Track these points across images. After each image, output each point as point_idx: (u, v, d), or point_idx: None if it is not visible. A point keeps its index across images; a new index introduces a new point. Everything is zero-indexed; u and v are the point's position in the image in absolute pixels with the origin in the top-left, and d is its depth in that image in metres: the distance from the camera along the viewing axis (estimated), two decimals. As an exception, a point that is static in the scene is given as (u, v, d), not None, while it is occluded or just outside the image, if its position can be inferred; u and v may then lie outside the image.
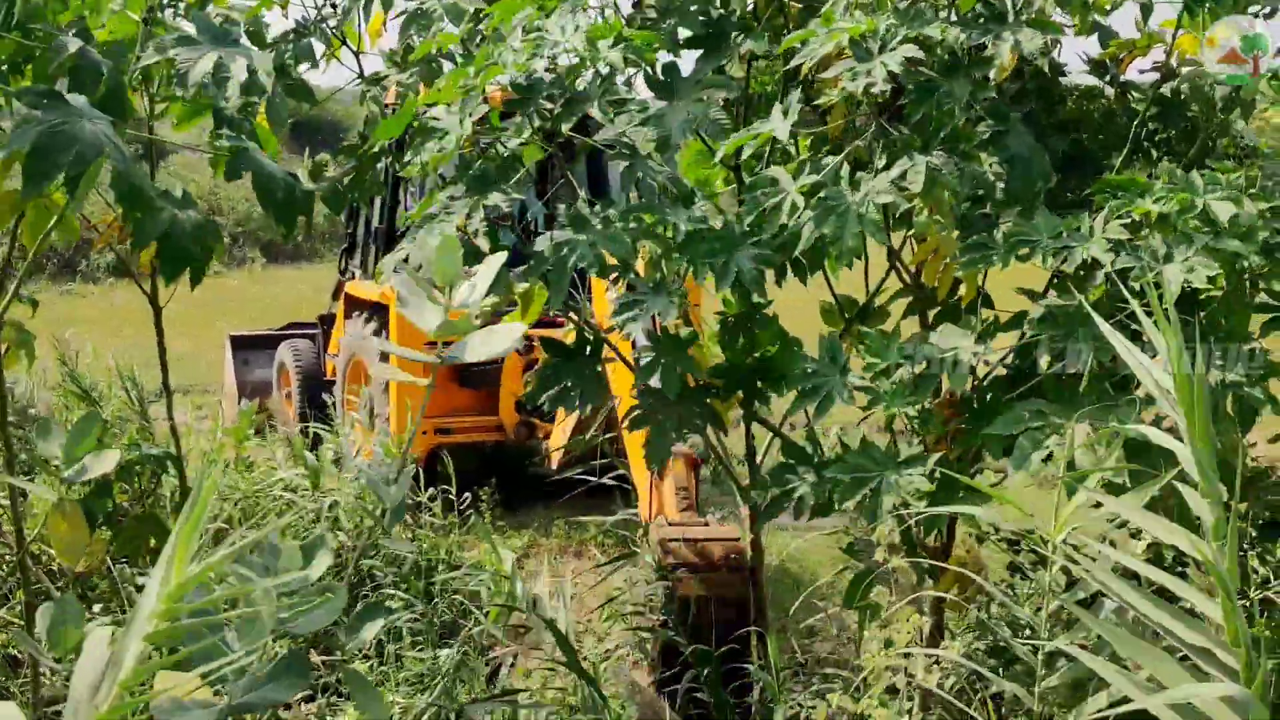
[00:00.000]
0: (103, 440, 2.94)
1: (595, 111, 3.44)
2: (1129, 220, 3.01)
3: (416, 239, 3.45)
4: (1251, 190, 3.04)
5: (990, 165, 3.17)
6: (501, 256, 2.52)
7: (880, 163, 3.24)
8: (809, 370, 3.25)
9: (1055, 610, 2.45)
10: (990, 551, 4.15)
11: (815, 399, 3.20)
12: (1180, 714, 1.44)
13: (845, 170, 3.22)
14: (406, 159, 3.60)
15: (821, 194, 3.14)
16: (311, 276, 23.03)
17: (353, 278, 10.04)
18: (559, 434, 8.01)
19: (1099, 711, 2.27)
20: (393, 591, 5.47)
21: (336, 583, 1.95)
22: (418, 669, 4.78)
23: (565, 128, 3.46)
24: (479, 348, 2.22)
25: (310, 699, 4.42)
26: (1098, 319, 1.92)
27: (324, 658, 4.52)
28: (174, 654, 1.28)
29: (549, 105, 3.45)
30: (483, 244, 3.36)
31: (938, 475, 3.06)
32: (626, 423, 3.48)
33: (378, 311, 9.11)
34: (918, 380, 3.11)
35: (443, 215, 3.41)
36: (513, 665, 5.35)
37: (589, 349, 3.58)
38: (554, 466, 8.58)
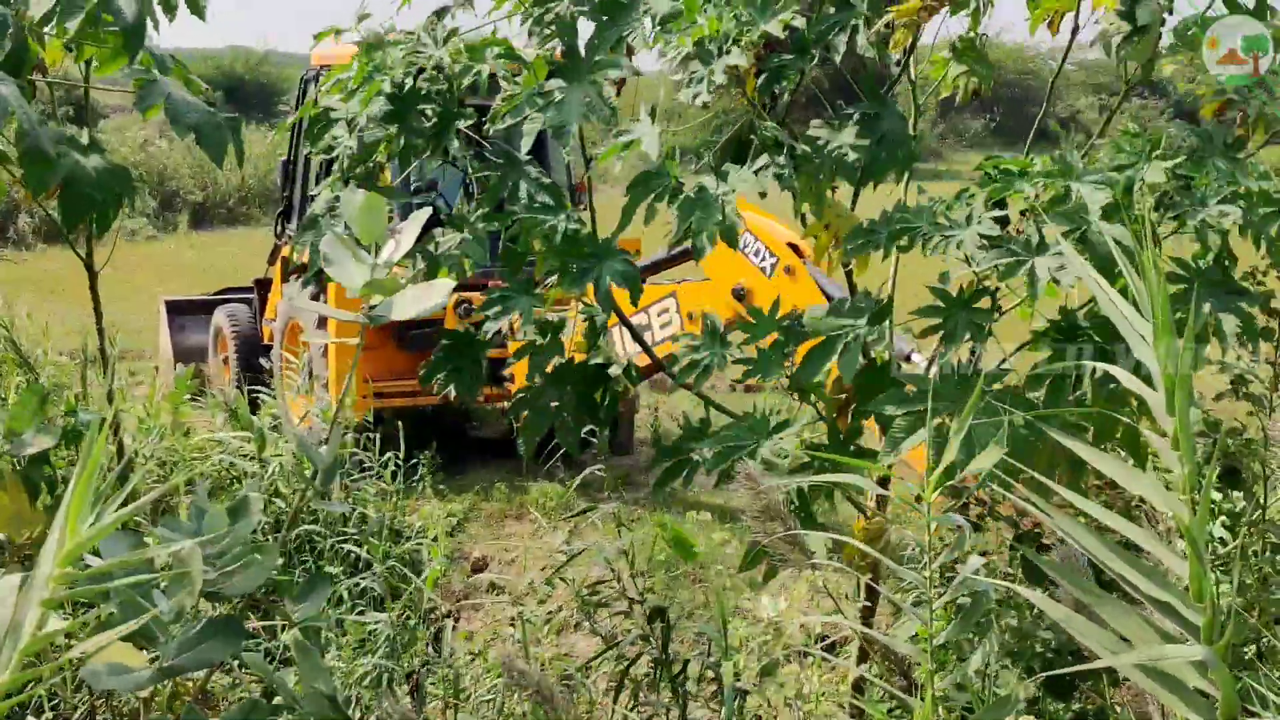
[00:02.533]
0: (44, 413, 2.89)
1: (462, 125, 3.48)
2: (1000, 214, 3.06)
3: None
4: (1156, 152, 3.07)
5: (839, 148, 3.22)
6: (426, 213, 2.49)
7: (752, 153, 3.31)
8: (690, 344, 3.40)
9: (940, 570, 2.46)
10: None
11: (695, 371, 3.34)
12: (1141, 670, 1.45)
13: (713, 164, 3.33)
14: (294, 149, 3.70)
15: (690, 189, 3.22)
16: (245, 241, 22.75)
17: (288, 241, 9.92)
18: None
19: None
20: (332, 557, 5.44)
21: (266, 543, 1.92)
22: (359, 634, 4.75)
23: (454, 149, 3.49)
24: (407, 305, 2.19)
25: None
26: (1068, 248, 1.89)
27: (265, 623, 4.49)
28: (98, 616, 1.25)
29: (427, 122, 3.46)
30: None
31: (804, 440, 3.22)
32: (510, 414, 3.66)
33: (315, 275, 9.00)
34: (805, 357, 3.19)
35: (329, 218, 3.58)
36: (455, 628, 5.34)
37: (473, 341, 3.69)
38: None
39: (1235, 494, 4.00)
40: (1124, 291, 2.80)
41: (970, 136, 37.96)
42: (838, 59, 3.24)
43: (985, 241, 2.97)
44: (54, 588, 1.02)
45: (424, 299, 2.22)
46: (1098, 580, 2.06)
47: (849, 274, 3.63)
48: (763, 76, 3.27)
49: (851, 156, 3.22)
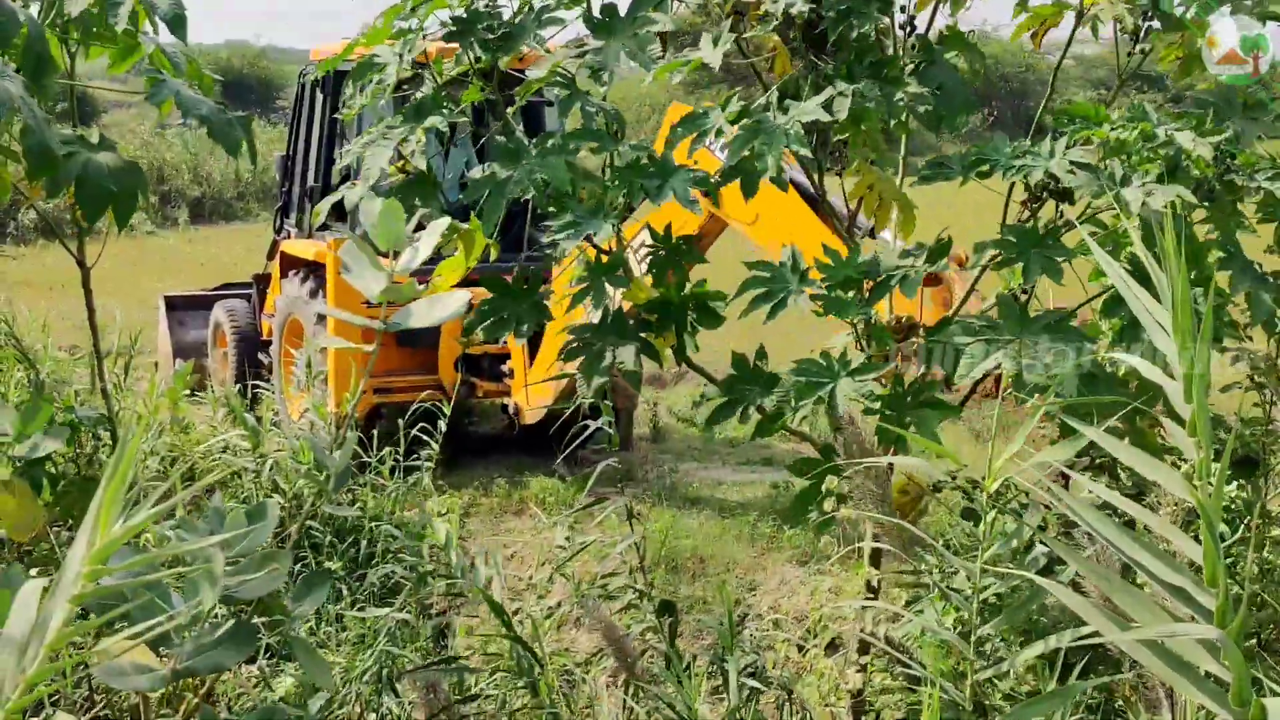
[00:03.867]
0: (53, 418, 2.90)
1: (532, 44, 3.49)
2: (1090, 145, 3.10)
3: (356, 194, 3.44)
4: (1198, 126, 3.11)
5: (912, 95, 3.23)
6: (445, 221, 2.50)
7: (807, 93, 3.31)
8: (766, 275, 3.31)
9: (990, 559, 2.47)
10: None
11: (770, 302, 3.25)
12: (1152, 652, 1.45)
13: (774, 99, 3.28)
14: (345, 97, 3.65)
15: (749, 118, 3.22)
16: (244, 236, 22.73)
17: (288, 237, 9.92)
18: (539, 390, 7.99)
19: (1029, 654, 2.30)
20: (332, 553, 5.44)
21: (280, 549, 1.93)
22: (359, 630, 4.75)
23: (504, 61, 3.50)
24: (423, 315, 2.20)
25: (251, 661, 4.39)
26: (1091, 241, 1.90)
27: (263, 619, 4.49)
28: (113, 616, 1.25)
29: (489, 36, 3.48)
30: (419, 163, 3.42)
31: (887, 385, 3.14)
32: (563, 356, 3.51)
33: (314, 271, 9.01)
34: (871, 291, 3.18)
35: (380, 140, 3.45)
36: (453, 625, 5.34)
37: (527, 283, 3.60)
38: (527, 421, 8.59)
39: (1240, 485, 4.00)
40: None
41: (967, 130, 37.92)
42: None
43: (1074, 168, 3.02)
44: (84, 586, 1.03)
45: (438, 310, 2.22)
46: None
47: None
48: (826, 19, 3.28)
49: (921, 108, 3.25)
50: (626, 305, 3.56)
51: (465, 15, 3.51)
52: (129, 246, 20.59)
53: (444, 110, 3.48)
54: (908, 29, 3.56)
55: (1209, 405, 3.83)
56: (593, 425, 4.33)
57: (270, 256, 10.51)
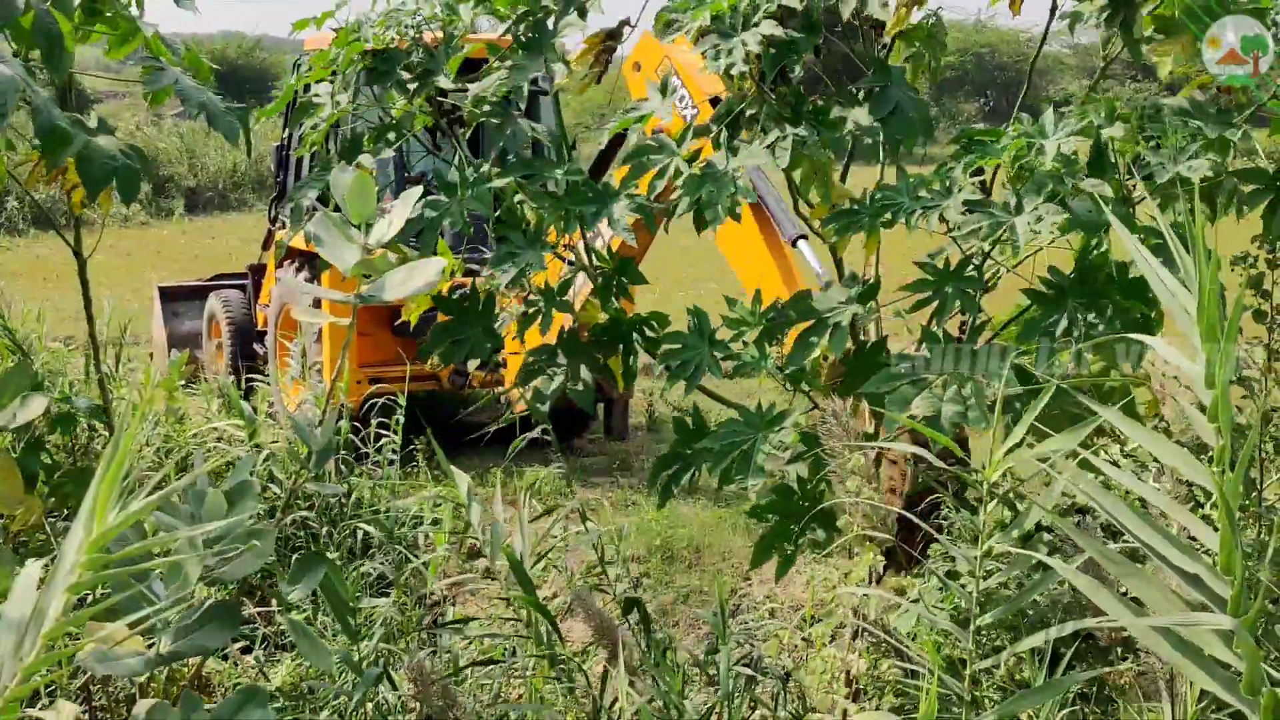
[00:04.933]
0: (35, 385, 2.87)
1: (445, 82, 3.62)
2: (982, 177, 3.15)
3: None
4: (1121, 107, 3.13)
5: (856, 127, 3.24)
6: (417, 190, 2.49)
7: (756, 132, 3.35)
8: (678, 346, 3.37)
9: (990, 550, 2.47)
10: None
11: (686, 373, 3.30)
12: (1164, 638, 1.45)
13: (724, 139, 3.34)
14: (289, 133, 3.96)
15: (700, 163, 3.27)
16: (239, 227, 22.70)
17: (283, 227, 9.90)
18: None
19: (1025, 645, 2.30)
20: (328, 543, 5.43)
21: (264, 527, 1.92)
22: (356, 619, 4.75)
23: (417, 101, 3.68)
24: (398, 286, 2.19)
25: (248, 650, 4.39)
26: (1117, 224, 1.88)
27: (260, 609, 4.49)
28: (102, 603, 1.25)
29: (407, 75, 3.65)
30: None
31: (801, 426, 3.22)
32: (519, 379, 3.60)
33: (309, 260, 8.99)
34: (795, 344, 3.19)
35: (311, 182, 3.71)
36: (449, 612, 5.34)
37: (481, 305, 3.66)
38: (520, 411, 8.56)
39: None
40: (1105, 253, 2.84)
41: (964, 120, 37.94)
42: (846, 12, 3.29)
43: (966, 208, 3.02)
44: (81, 574, 1.03)
45: (415, 279, 2.21)
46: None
47: (833, 250, 3.68)
48: (773, 51, 3.28)
49: (868, 140, 3.27)
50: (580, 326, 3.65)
51: (385, 55, 3.67)
52: (124, 237, 20.58)
53: (374, 151, 3.71)
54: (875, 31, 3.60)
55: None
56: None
57: (265, 247, 10.49)
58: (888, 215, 3.10)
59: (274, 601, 4.34)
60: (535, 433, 4.48)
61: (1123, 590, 1.55)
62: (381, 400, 7.11)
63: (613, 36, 3.67)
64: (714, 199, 3.15)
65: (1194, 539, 1.52)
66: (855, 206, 3.20)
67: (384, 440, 6.51)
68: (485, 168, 3.44)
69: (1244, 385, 3.97)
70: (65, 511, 3.76)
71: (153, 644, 1.89)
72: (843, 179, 3.74)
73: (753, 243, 5.64)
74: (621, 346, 3.57)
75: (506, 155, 3.66)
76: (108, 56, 3.28)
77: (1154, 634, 1.44)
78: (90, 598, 2.47)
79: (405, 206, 2.46)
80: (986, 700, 2.88)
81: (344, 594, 2.71)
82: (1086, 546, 1.52)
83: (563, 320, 3.61)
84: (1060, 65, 36.24)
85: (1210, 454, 1.48)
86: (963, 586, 2.47)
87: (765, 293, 3.42)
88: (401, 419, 6.53)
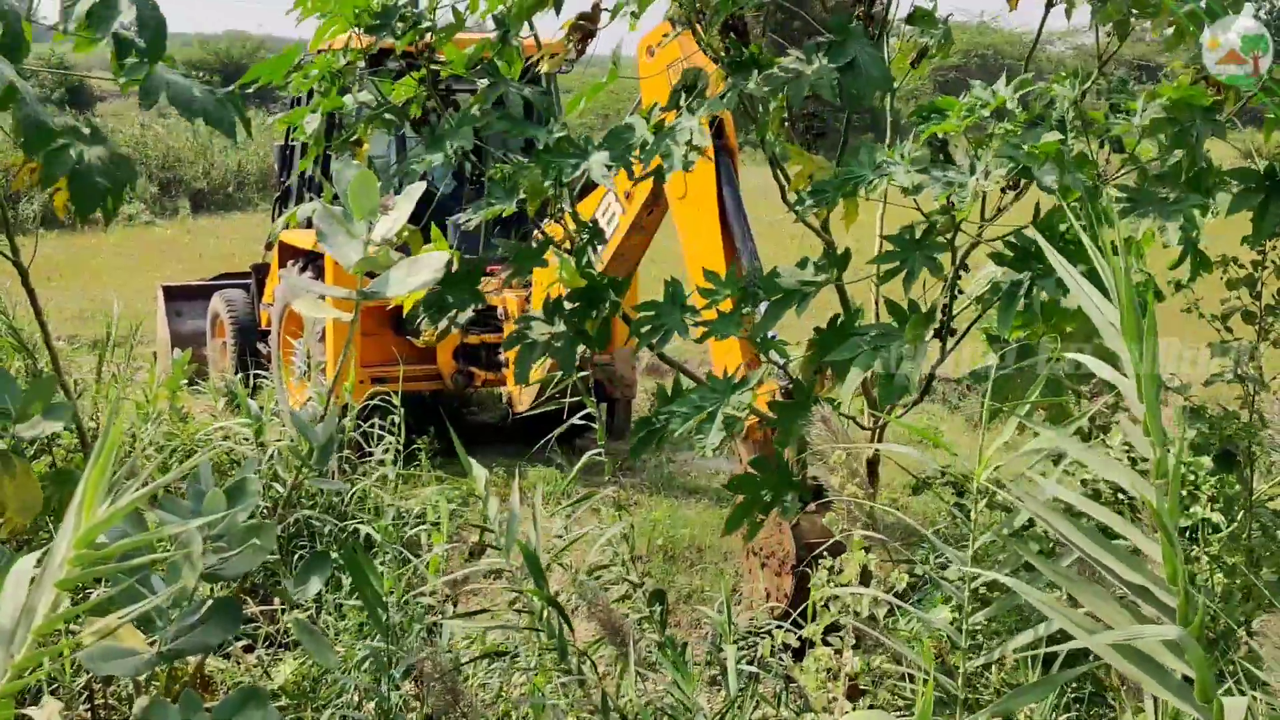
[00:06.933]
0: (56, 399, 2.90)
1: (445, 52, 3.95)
2: (936, 142, 3.31)
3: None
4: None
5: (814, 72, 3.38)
6: (421, 186, 2.49)
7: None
8: (651, 313, 3.64)
9: (981, 549, 2.47)
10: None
11: (656, 336, 3.59)
12: (1118, 651, 1.46)
13: (681, 98, 3.65)
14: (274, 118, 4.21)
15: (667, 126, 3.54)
16: (244, 226, 22.68)
17: (287, 226, 9.90)
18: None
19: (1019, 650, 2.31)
20: (331, 542, 5.44)
21: (264, 522, 1.93)
22: (358, 619, 4.76)
23: (404, 42, 3.86)
24: (401, 281, 2.19)
25: (250, 649, 4.40)
26: (1046, 246, 1.90)
27: (263, 608, 4.49)
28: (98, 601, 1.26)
29: (401, 25, 3.85)
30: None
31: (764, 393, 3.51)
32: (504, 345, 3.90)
33: (313, 260, 9.00)
34: (766, 312, 3.43)
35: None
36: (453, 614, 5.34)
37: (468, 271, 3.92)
38: (521, 409, 8.57)
39: (1230, 478, 4.00)
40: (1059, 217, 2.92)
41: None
42: None
43: (918, 168, 3.18)
44: (70, 570, 1.03)
45: (416, 274, 2.21)
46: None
47: (825, 226, 3.91)
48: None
49: (824, 89, 3.38)
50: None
51: (381, 9, 3.87)
52: (128, 237, 20.57)
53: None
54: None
55: (1190, 399, 3.84)
56: (584, 413, 4.47)
57: (269, 246, 10.50)
58: (849, 186, 3.27)
59: (276, 600, 4.35)
60: (574, 419, 4.63)
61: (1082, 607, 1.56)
62: (384, 400, 7.11)
63: (586, 18, 3.81)
64: (670, 153, 3.39)
65: (1139, 552, 1.53)
66: (822, 184, 3.37)
67: (386, 440, 6.51)
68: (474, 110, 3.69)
69: (1240, 382, 3.98)
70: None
71: (154, 641, 1.90)
72: (841, 149, 3.95)
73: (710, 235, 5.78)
74: (595, 307, 3.81)
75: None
76: (76, 51, 3.26)
77: (1111, 649, 1.45)
78: (93, 595, 2.48)
79: (409, 202, 2.46)
80: (981, 701, 2.89)
81: (377, 587, 2.73)
82: (1041, 567, 1.54)
83: (546, 290, 3.85)
84: (1061, 66, 36.10)
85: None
86: (957, 588, 2.48)
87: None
88: (401, 418, 6.54)
